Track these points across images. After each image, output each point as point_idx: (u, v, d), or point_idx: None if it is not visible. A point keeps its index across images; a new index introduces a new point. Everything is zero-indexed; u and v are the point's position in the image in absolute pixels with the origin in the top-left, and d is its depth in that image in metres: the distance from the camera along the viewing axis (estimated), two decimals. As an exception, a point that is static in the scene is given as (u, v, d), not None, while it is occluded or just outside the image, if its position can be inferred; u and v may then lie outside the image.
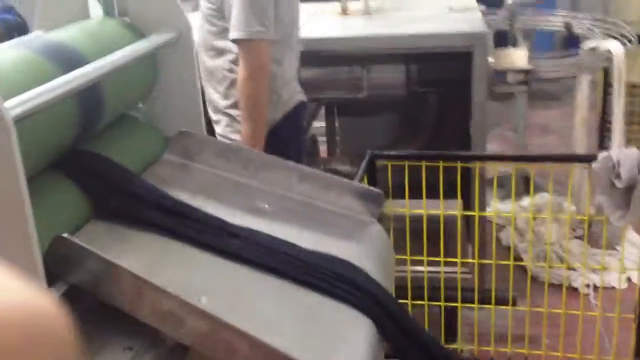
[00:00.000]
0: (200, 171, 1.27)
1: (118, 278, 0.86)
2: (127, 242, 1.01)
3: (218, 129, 2.31)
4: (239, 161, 1.29)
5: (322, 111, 3.52)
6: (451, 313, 2.34)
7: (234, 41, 2.14)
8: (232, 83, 2.21)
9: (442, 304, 2.26)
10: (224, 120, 2.28)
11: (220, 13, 2.17)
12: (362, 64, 2.95)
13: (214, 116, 2.30)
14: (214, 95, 2.28)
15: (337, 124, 3.67)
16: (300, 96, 2.37)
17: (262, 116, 2.19)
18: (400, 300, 2.12)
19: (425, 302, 2.23)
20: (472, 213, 2.32)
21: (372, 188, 1.32)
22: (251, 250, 1.04)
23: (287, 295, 1.01)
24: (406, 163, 2.13)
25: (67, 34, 1.12)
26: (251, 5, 2.09)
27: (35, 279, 0.79)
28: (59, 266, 0.88)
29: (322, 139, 3.63)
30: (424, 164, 2.12)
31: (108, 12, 1.28)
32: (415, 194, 2.15)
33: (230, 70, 2.21)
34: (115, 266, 0.86)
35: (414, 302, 2.18)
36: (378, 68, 3.03)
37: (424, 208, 2.16)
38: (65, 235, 0.87)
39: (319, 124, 3.64)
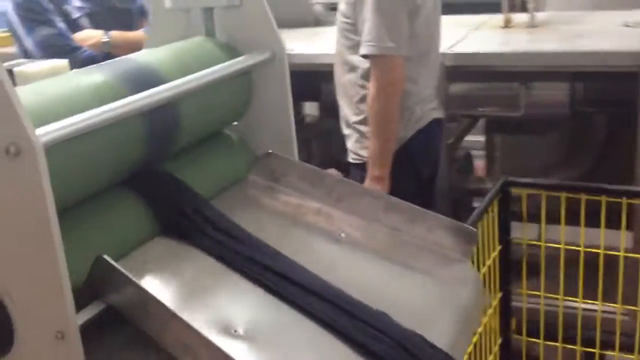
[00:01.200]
0: (283, 194, 1.25)
1: (146, 305, 0.86)
2: (182, 265, 1.01)
3: (348, 144, 2.29)
4: (323, 187, 1.26)
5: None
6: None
7: (365, 56, 2.11)
8: (363, 98, 2.18)
9: (597, 350, 2.06)
10: (354, 135, 2.25)
11: (354, 27, 2.15)
12: (521, 80, 2.80)
13: (345, 130, 2.28)
14: (346, 110, 2.27)
15: (495, 141, 3.51)
16: (435, 114, 2.29)
17: (391, 134, 2.14)
18: (549, 342, 2.00)
19: (578, 348, 2.05)
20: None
21: (465, 225, 1.22)
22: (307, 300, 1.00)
23: (324, 344, 0.95)
24: (543, 193, 1.97)
25: (156, 56, 1.14)
26: (384, 21, 2.05)
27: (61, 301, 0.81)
28: (99, 286, 0.89)
29: (481, 153, 3.49)
30: (563, 195, 1.95)
31: (209, 32, 1.30)
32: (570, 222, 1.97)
33: (362, 86, 2.18)
34: (146, 293, 0.86)
35: (565, 345, 2.02)
36: (538, 85, 2.87)
37: (581, 244, 1.97)
38: (105, 256, 0.88)
39: (477, 139, 3.51)
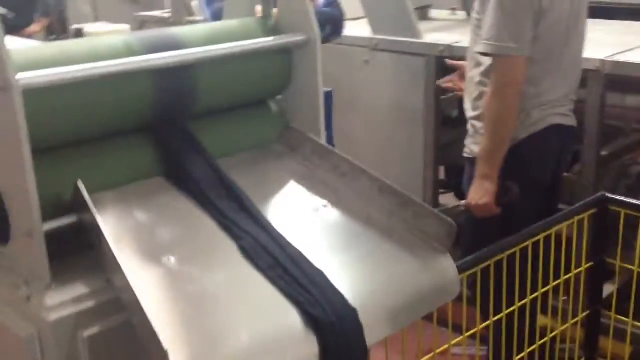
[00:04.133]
0: (294, 161, 1.39)
1: (93, 229, 1.07)
2: (155, 202, 1.20)
3: (465, 139, 2.31)
4: (331, 162, 1.37)
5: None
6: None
7: (482, 54, 2.12)
8: (481, 95, 2.20)
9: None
10: (470, 130, 2.28)
11: (482, 24, 2.16)
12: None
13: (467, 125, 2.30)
14: (466, 104, 2.29)
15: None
16: (558, 119, 2.23)
17: (504, 135, 2.14)
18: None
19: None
20: None
21: (446, 218, 1.26)
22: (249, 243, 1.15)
23: (250, 284, 1.09)
24: (641, 215, 1.86)
25: (190, 29, 1.34)
26: (505, 20, 2.04)
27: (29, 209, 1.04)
28: (74, 204, 1.12)
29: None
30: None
31: (266, 14, 1.46)
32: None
33: (481, 83, 2.20)
34: (94, 219, 1.06)
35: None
36: None
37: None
38: (79, 182, 1.11)
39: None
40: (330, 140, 2.49)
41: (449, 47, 3.00)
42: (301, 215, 1.29)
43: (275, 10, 1.47)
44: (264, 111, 1.47)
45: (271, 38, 1.38)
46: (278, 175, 1.37)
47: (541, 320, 1.90)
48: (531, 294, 1.73)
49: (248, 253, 1.15)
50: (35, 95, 1.06)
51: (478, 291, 1.61)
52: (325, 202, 1.32)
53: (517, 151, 2.18)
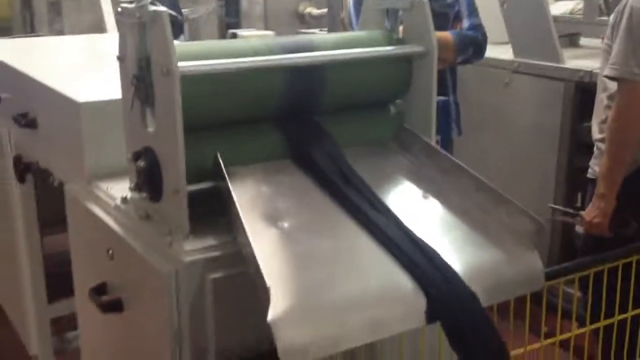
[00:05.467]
0: (404, 158, 1.56)
1: (226, 194, 1.30)
2: (283, 180, 1.42)
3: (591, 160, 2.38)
4: (436, 160, 1.53)
5: None
6: None
7: (609, 78, 2.19)
8: (606, 119, 2.26)
9: None
10: (595, 152, 2.34)
11: (612, 49, 2.23)
12: None
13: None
14: (594, 126, 2.36)
15: None
16: None
17: (624, 156, 2.20)
18: None
19: None
20: None
21: (536, 217, 1.38)
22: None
23: (360, 250, 1.27)
24: None
25: (322, 36, 1.56)
26: (633, 47, 2.11)
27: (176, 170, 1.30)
28: (213, 173, 1.37)
29: None
30: None
31: (392, 27, 1.66)
32: None
33: (607, 107, 2.27)
34: (227, 185, 1.29)
35: None
36: None
37: None
38: (218, 154, 1.35)
39: None
40: (446, 143, 2.61)
41: (589, 73, 3.05)
42: (405, 203, 1.46)
43: (401, 27, 1.66)
44: (383, 112, 1.66)
45: (394, 47, 1.57)
46: (388, 167, 1.55)
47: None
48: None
49: (361, 226, 1.34)
50: (191, 81, 1.31)
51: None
52: (427, 194, 1.49)
53: (639, 173, 2.23)
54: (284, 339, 1.10)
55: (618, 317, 1.75)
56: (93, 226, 1.59)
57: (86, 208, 1.62)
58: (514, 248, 1.39)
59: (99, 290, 1.57)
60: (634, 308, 1.77)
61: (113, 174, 1.66)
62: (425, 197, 1.48)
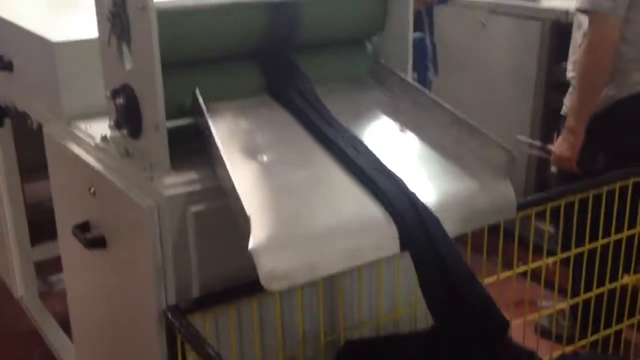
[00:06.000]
0: (379, 92, 1.59)
1: (205, 128, 1.32)
2: (259, 114, 1.44)
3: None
4: (412, 95, 1.56)
5: None
6: None
7: (580, 11, 2.21)
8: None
9: None
10: (570, 89, 2.37)
11: (588, -14, 2.24)
12: None
13: None
14: (568, 65, 2.39)
15: None
16: None
17: (593, 90, 2.23)
18: None
19: None
20: None
21: (509, 148, 1.42)
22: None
23: (334, 181, 1.30)
24: None
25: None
26: None
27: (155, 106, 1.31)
28: (192, 109, 1.38)
29: None
30: None
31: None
32: None
33: (581, 45, 2.28)
34: (206, 121, 1.31)
35: None
36: None
37: None
38: (197, 90, 1.37)
39: None
40: (423, 84, 2.62)
41: (565, 13, 3.06)
42: (381, 137, 1.49)
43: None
44: (359, 48, 1.67)
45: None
46: (366, 102, 1.58)
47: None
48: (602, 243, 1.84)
49: (335, 159, 1.37)
50: (167, 17, 1.32)
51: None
52: (404, 128, 1.52)
53: (613, 112, 2.26)
54: (264, 266, 1.14)
55: (588, 247, 1.81)
56: (74, 166, 1.60)
57: (66, 148, 1.63)
58: (487, 178, 1.43)
59: (82, 228, 1.60)
60: (603, 238, 1.83)
61: (91, 114, 1.67)
62: (402, 130, 1.51)
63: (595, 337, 1.90)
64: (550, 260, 1.77)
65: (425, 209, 1.29)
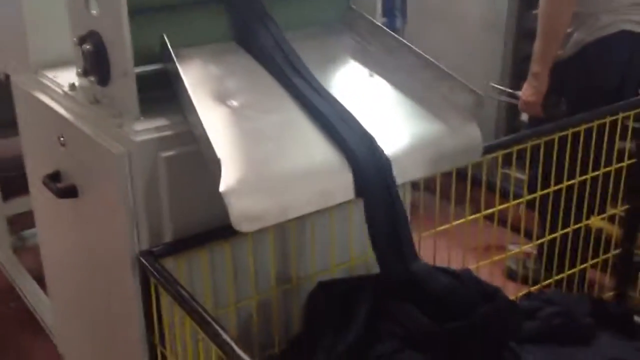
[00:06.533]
0: (348, 37, 1.59)
1: (174, 73, 1.32)
2: (228, 59, 1.44)
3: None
4: (381, 39, 1.56)
5: None
6: None
7: None
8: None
9: None
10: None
11: None
12: None
13: None
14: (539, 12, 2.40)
15: None
16: (629, 25, 2.29)
17: (555, 32, 2.25)
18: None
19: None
20: None
21: (476, 91, 1.44)
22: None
23: (299, 126, 1.32)
24: None
25: None
26: None
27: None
28: (161, 53, 1.38)
29: None
30: None
31: None
32: None
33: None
34: (175, 65, 1.31)
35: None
36: None
37: None
38: (164, 35, 1.36)
39: None
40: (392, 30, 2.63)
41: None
42: (350, 82, 1.50)
43: None
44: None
45: None
46: (334, 47, 1.58)
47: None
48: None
49: (302, 103, 1.37)
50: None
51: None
52: (372, 73, 1.53)
53: (582, 56, 2.29)
54: (236, 208, 1.15)
55: (554, 188, 1.85)
56: (42, 115, 1.59)
57: (34, 97, 1.62)
58: (454, 121, 1.45)
59: (53, 178, 1.59)
60: (568, 180, 1.87)
61: (58, 63, 1.65)
62: (370, 75, 1.52)
63: (560, 276, 1.95)
64: (516, 202, 1.80)
65: (382, 156, 1.31)
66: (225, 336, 1.05)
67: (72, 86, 1.52)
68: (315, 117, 1.36)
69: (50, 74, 1.63)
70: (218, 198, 1.16)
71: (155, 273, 1.25)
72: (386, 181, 1.31)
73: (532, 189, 1.89)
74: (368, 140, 1.32)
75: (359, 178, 1.28)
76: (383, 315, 1.34)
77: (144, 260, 1.28)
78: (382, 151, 1.32)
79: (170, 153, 1.33)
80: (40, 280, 2.30)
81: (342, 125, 1.33)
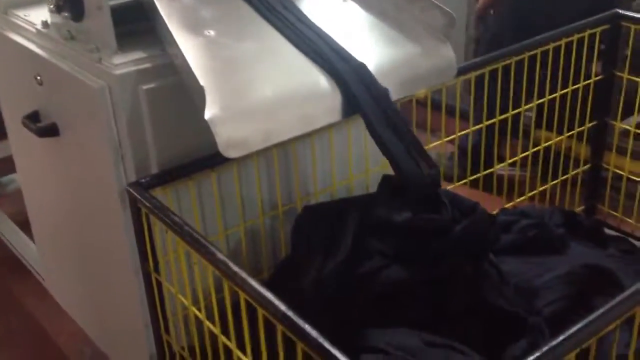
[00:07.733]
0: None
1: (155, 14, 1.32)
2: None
3: None
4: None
5: None
6: None
7: None
8: None
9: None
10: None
11: None
12: None
13: None
14: None
15: None
16: None
17: None
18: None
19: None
20: None
21: (448, 10, 1.46)
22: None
23: (280, 52, 1.33)
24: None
25: None
26: None
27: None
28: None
29: None
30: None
31: None
32: None
33: None
34: (154, 3, 1.31)
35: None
36: None
37: None
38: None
39: None
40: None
41: None
42: (323, 8, 1.51)
43: None
44: None
45: None
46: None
47: (546, 135, 2.08)
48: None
49: (279, 30, 1.39)
50: None
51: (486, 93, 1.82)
52: (346, -3, 1.54)
53: None
54: (222, 134, 1.18)
55: (525, 107, 1.91)
56: (17, 55, 1.59)
57: (6, 38, 1.60)
58: (428, 42, 1.47)
59: (32, 118, 1.60)
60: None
61: (28, 2, 1.63)
62: (344, 1, 1.53)
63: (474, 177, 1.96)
64: (476, 127, 1.85)
65: (368, 73, 1.34)
66: (220, 255, 1.09)
67: (45, 24, 1.51)
68: (293, 41, 1.37)
69: (21, 13, 1.62)
70: (202, 128, 1.17)
71: (145, 202, 1.27)
72: (378, 91, 1.33)
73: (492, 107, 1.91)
74: (350, 60, 1.34)
75: (350, 95, 1.30)
76: (370, 235, 1.39)
77: (133, 191, 1.30)
78: (364, 64, 1.34)
79: (151, 85, 1.34)
80: (23, 226, 2.31)
81: (323, 46, 1.35)
